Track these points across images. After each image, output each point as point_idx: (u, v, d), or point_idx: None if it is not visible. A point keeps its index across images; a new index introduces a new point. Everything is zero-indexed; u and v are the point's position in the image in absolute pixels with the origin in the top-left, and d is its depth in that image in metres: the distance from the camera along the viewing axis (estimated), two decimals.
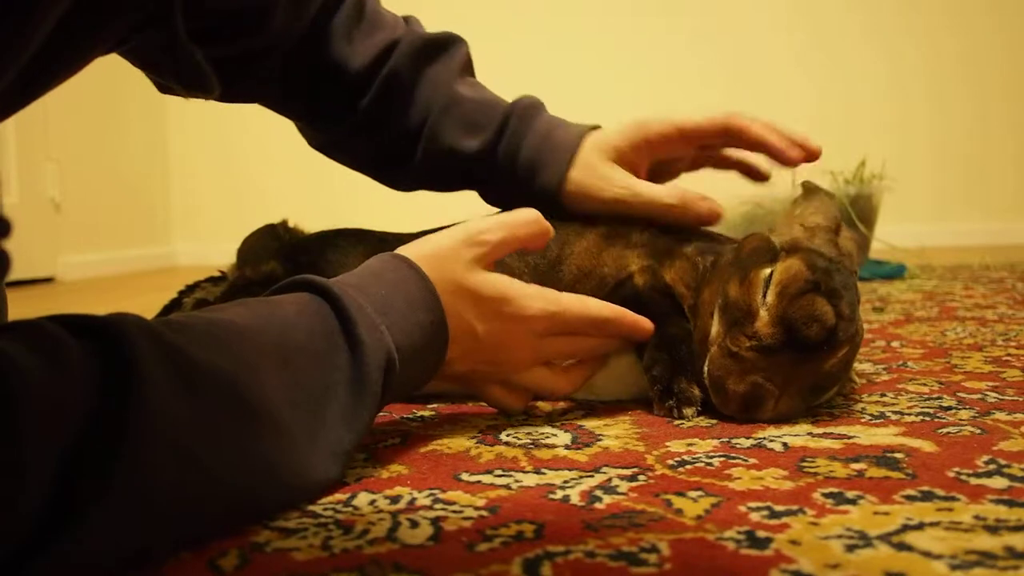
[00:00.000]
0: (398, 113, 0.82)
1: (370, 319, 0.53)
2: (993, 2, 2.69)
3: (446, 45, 0.84)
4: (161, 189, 3.27)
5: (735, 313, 0.65)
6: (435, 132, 0.82)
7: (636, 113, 0.81)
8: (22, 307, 1.82)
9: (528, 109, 0.83)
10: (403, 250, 0.61)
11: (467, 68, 0.85)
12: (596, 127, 0.83)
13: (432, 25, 0.87)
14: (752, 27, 2.83)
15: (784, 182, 1.80)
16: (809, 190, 0.77)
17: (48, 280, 2.61)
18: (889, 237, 1.86)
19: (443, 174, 0.85)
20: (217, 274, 0.88)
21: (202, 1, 0.55)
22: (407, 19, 0.85)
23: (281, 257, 0.84)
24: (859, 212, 1.68)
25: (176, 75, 0.49)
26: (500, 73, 1.01)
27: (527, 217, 0.65)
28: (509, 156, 0.82)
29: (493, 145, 0.82)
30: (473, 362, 0.64)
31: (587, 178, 0.80)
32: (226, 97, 0.77)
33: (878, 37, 2.75)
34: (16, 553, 0.35)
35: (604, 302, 0.68)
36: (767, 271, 0.66)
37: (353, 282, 0.57)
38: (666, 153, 0.82)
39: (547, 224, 0.66)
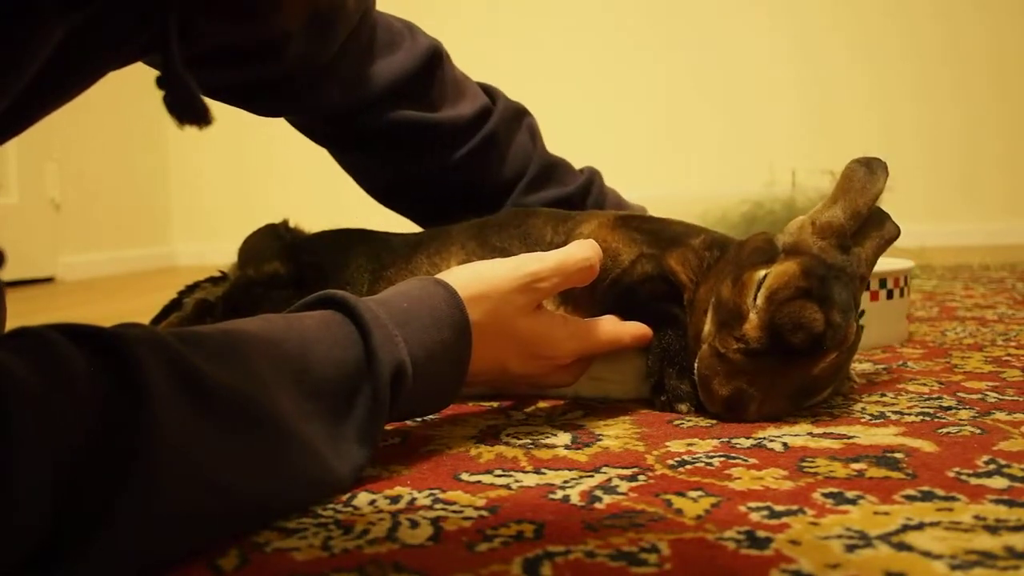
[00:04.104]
0: (494, 167, 0.92)
1: (385, 329, 0.53)
2: (980, 1, 2.69)
3: (527, 113, 0.98)
4: (161, 189, 3.27)
5: (725, 314, 0.66)
6: (531, 188, 0.93)
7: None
8: (22, 307, 1.82)
9: (600, 175, 1.01)
10: (453, 280, 0.60)
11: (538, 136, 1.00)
12: None
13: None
14: (742, 33, 2.83)
15: (784, 182, 1.81)
16: (847, 173, 0.70)
17: (48, 280, 2.61)
18: None
19: None
20: (217, 274, 0.88)
21: (202, 32, 0.55)
22: (487, 88, 0.95)
23: (283, 257, 0.84)
24: None
25: (168, 104, 0.49)
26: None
27: (581, 258, 0.65)
28: (595, 208, 0.96)
29: (578, 198, 0.96)
30: (491, 383, 0.69)
31: None
32: (267, 113, 0.83)
33: (867, 37, 2.76)
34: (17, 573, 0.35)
35: (632, 331, 0.69)
36: (762, 273, 0.66)
37: (377, 297, 0.57)
38: None
39: (597, 261, 0.66)
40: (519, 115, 0.96)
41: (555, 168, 0.97)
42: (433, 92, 0.88)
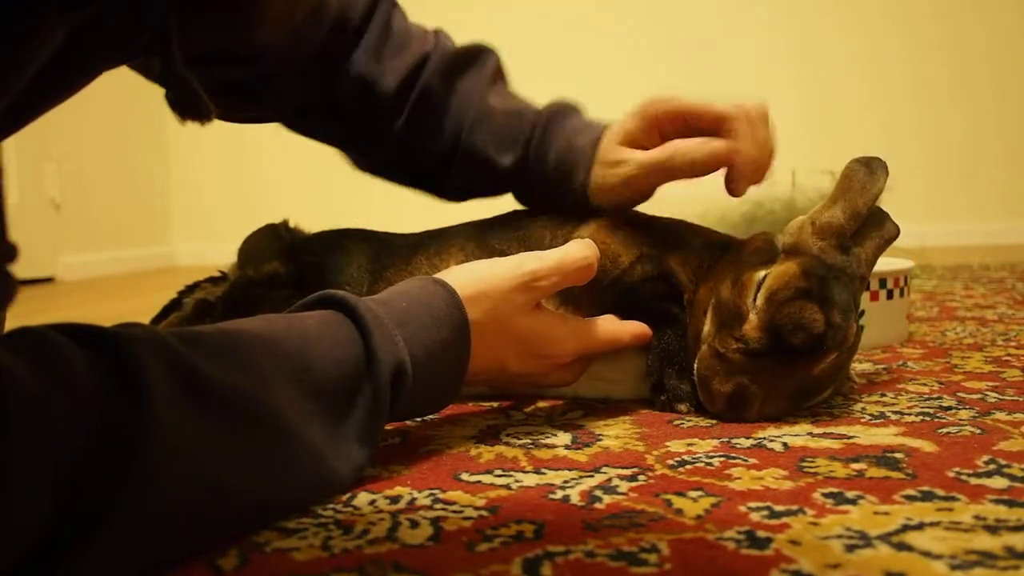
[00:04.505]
0: (431, 132, 0.83)
1: (385, 329, 0.53)
2: (980, 1, 2.69)
3: (476, 56, 0.85)
4: (161, 189, 3.27)
5: (725, 314, 0.66)
6: (468, 149, 0.83)
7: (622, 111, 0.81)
8: (22, 307, 1.81)
9: (552, 119, 0.82)
10: (452, 280, 0.60)
11: (498, 77, 0.86)
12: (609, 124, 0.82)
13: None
14: (741, 33, 2.84)
15: (784, 182, 1.81)
16: (846, 174, 0.70)
17: (48, 280, 2.61)
18: None
19: (479, 186, 0.86)
20: (217, 274, 0.87)
21: (198, 37, 0.56)
22: (436, 32, 0.85)
23: (283, 257, 0.83)
24: None
25: (170, 101, 0.50)
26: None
27: (579, 257, 0.65)
28: (538, 168, 0.82)
29: (523, 158, 0.83)
30: (491, 383, 0.69)
31: (602, 173, 0.80)
32: (243, 118, 0.81)
33: (867, 37, 2.76)
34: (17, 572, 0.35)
35: (631, 330, 0.69)
36: (761, 273, 0.66)
37: (377, 297, 0.57)
38: (673, 132, 0.78)
39: (595, 259, 0.66)
40: (467, 57, 0.84)
41: (488, 120, 0.83)
42: (378, 39, 0.82)
